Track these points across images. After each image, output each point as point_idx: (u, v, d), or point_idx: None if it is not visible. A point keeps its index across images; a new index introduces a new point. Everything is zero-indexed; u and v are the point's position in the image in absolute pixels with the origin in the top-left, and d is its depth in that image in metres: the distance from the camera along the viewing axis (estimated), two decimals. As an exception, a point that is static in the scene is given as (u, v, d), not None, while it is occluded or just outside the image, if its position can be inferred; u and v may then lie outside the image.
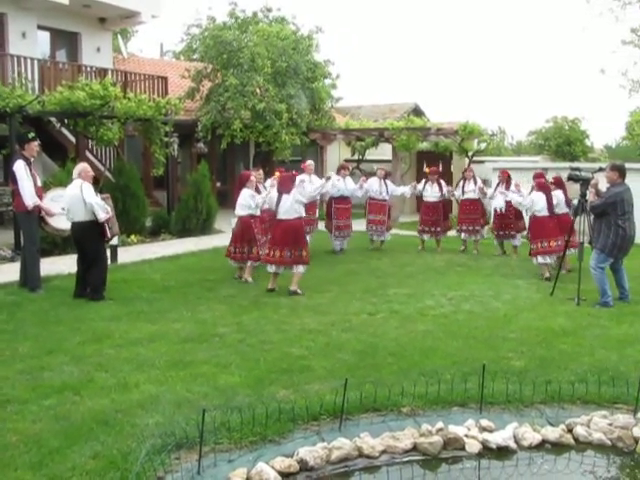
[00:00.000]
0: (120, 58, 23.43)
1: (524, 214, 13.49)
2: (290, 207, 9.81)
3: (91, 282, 9.34)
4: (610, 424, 5.03)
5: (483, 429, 4.94)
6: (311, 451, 4.46)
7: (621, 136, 35.84)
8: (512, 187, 12.69)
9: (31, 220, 9.72)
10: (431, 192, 14.42)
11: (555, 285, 9.81)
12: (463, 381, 5.66)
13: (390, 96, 68.77)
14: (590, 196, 9.37)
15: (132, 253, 13.31)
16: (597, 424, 5.01)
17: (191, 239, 15.80)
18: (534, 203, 11.23)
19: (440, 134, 21.39)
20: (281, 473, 4.25)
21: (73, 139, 17.51)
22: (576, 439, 4.91)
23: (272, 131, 19.56)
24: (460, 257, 13.65)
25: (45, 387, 5.77)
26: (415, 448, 4.68)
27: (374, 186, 14.39)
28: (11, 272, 10.66)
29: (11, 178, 9.81)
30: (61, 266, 11.19)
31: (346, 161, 23.33)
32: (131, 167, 16.26)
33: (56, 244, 12.73)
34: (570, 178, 9.67)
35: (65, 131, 17.44)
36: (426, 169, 15.49)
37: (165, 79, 19.58)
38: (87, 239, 9.34)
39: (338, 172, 13.87)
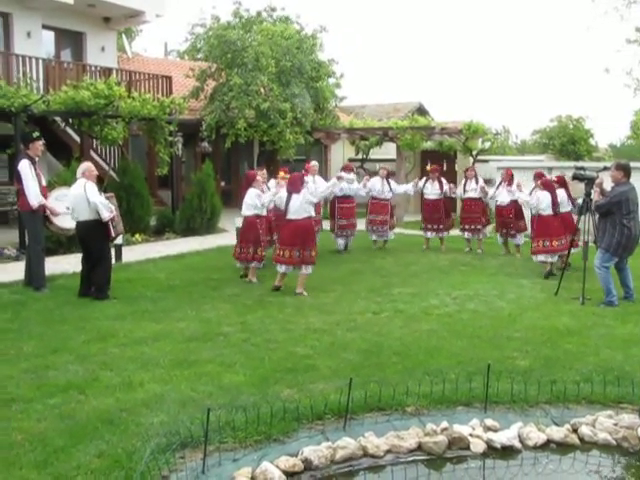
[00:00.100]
0: (124, 57, 23.45)
1: (525, 213, 13.57)
2: (300, 207, 9.78)
3: (96, 281, 9.35)
4: (615, 424, 5.02)
5: (488, 429, 4.93)
6: (316, 450, 4.46)
7: (626, 135, 35.82)
8: (514, 186, 12.73)
9: (36, 219, 9.73)
10: (431, 190, 14.48)
11: (560, 284, 9.79)
12: (468, 380, 5.64)
13: (394, 95, 68.84)
14: (595, 195, 9.35)
15: (136, 252, 13.32)
16: (602, 424, 5.00)
17: (195, 238, 15.81)
18: (539, 201, 11.30)
19: (444, 133, 21.38)
20: (285, 472, 4.25)
21: (78, 138, 17.57)
22: (581, 439, 4.90)
23: (276, 130, 19.56)
24: (464, 256, 13.64)
25: (50, 386, 5.77)
26: (420, 447, 4.68)
27: (376, 185, 14.40)
28: (16, 271, 10.68)
29: (16, 177, 9.83)
30: (66, 265, 11.21)
31: (350, 160, 23.34)
32: (135, 166, 16.28)
33: (61, 243, 12.75)
34: (575, 177, 9.65)
35: (70, 130, 17.46)
36: (428, 167, 15.46)
37: (169, 78, 19.59)
38: (92, 238, 9.35)
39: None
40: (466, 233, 14.36)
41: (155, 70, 21.45)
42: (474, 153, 21.01)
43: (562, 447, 4.82)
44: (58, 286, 10.01)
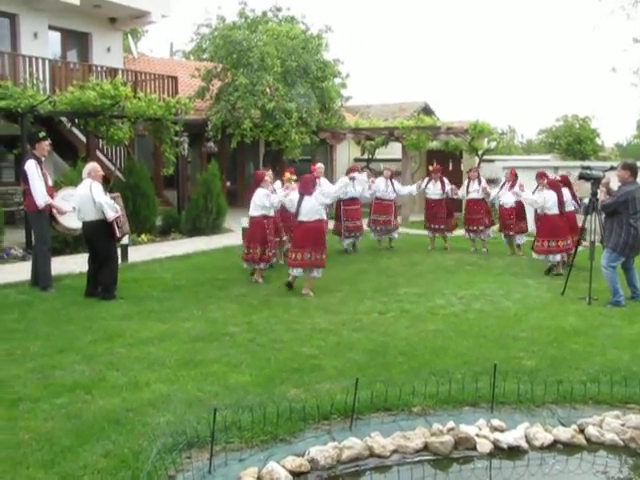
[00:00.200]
0: (130, 58, 23.49)
1: (528, 214, 13.62)
2: (312, 209, 9.75)
3: (102, 281, 9.37)
4: (622, 424, 5.00)
5: (494, 429, 4.92)
6: (322, 450, 4.45)
7: (632, 134, 35.73)
8: (517, 187, 12.79)
9: (42, 219, 9.76)
10: (433, 190, 14.51)
11: (566, 284, 9.77)
12: (474, 380, 5.63)
13: (400, 95, 68.82)
14: (601, 195, 9.33)
15: (142, 252, 13.34)
16: (609, 424, 4.98)
17: (201, 238, 15.83)
18: (545, 200, 11.39)
19: (450, 133, 21.37)
20: (292, 472, 4.24)
21: (84, 139, 17.61)
22: (588, 439, 4.88)
23: (282, 130, 19.57)
24: (470, 256, 13.63)
25: (57, 386, 5.79)
26: (426, 448, 4.67)
27: (381, 186, 14.40)
28: (22, 271, 10.70)
29: (22, 177, 9.86)
30: (72, 265, 11.23)
31: (356, 160, 23.32)
32: (141, 166, 16.31)
33: (67, 243, 12.78)
34: (581, 177, 9.63)
35: (76, 131, 17.51)
36: (430, 167, 15.47)
37: (175, 79, 19.61)
38: (98, 238, 9.36)
39: (348, 174, 13.81)
40: (470, 234, 14.38)
41: (161, 70, 21.47)
42: (480, 153, 20.98)
43: (569, 448, 4.81)
44: (65, 286, 10.03)
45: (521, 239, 13.80)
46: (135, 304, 8.93)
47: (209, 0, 37.72)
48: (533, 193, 12.20)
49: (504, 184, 13.90)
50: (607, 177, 9.47)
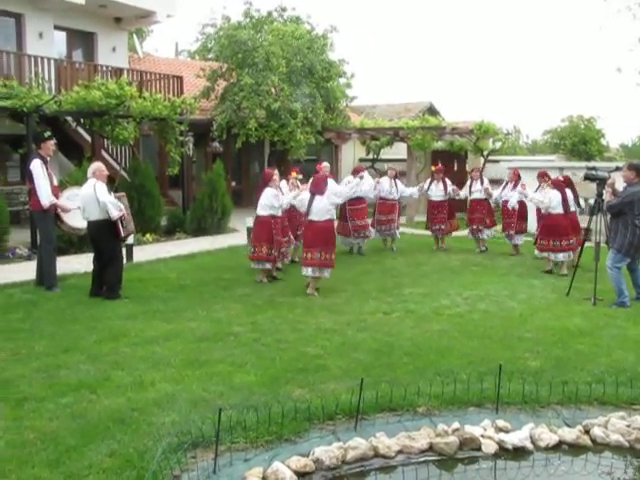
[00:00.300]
0: (135, 58, 23.52)
1: (530, 214, 13.65)
2: (323, 208, 9.74)
3: (107, 281, 9.38)
4: (628, 425, 4.99)
5: (499, 429, 4.92)
6: (327, 451, 4.46)
7: (637, 135, 35.63)
8: (519, 187, 12.82)
9: (47, 219, 9.78)
10: (436, 191, 14.50)
11: (571, 285, 9.75)
12: (479, 381, 5.62)
13: (405, 95, 68.81)
14: (607, 195, 9.32)
15: (147, 252, 13.36)
16: (615, 425, 4.97)
17: (206, 238, 15.83)
18: (550, 200, 11.48)
19: (455, 133, 21.35)
20: (297, 472, 4.25)
21: (89, 138, 17.63)
22: (593, 440, 4.88)
23: (287, 130, 19.58)
24: (475, 257, 13.62)
25: (62, 385, 5.80)
26: (431, 448, 4.67)
27: (385, 186, 14.38)
28: (28, 271, 10.72)
29: (28, 177, 9.89)
30: (77, 265, 11.25)
31: (361, 160, 23.30)
32: (146, 166, 16.31)
33: (72, 243, 12.81)
34: (587, 177, 9.61)
35: (81, 130, 17.55)
36: (433, 167, 15.45)
37: (180, 78, 19.64)
38: (103, 238, 9.38)
39: (353, 174, 13.79)
40: (474, 234, 14.38)
41: (166, 70, 21.51)
42: (485, 153, 20.96)
43: (574, 448, 4.81)
44: (69, 286, 10.05)
45: (520, 239, 13.82)
46: (140, 304, 8.94)
47: (214, 0, 37.79)
48: (535, 192, 12.27)
49: (506, 184, 13.97)
50: (612, 178, 9.46)
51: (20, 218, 16.16)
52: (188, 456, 4.40)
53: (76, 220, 9.89)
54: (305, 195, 10.07)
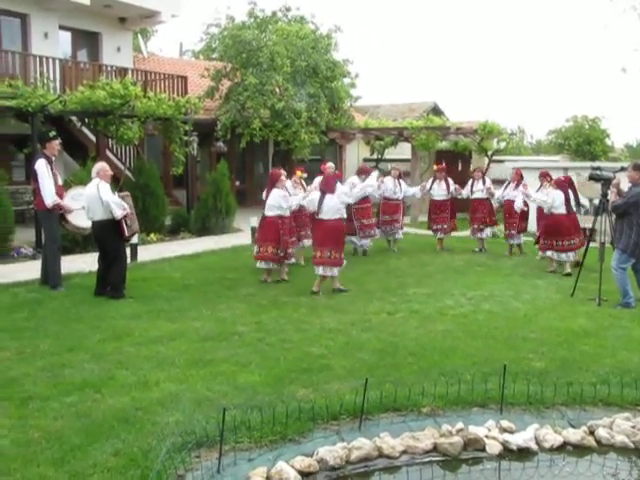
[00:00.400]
0: (140, 57, 23.55)
1: (530, 214, 13.66)
2: (333, 207, 9.74)
3: (111, 280, 9.40)
4: (633, 426, 4.98)
5: (504, 430, 4.91)
6: (331, 451, 4.46)
7: (642, 135, 35.47)
8: (520, 187, 12.82)
9: (52, 218, 9.80)
10: (438, 190, 14.49)
11: (576, 285, 9.74)
12: (483, 381, 5.62)
13: (409, 95, 68.75)
14: (612, 196, 9.30)
15: (152, 252, 13.37)
16: (619, 426, 4.96)
17: (210, 238, 15.84)
18: (553, 200, 11.54)
19: (459, 133, 21.35)
20: (301, 472, 4.25)
21: (94, 138, 17.67)
22: (598, 441, 4.87)
23: (291, 130, 19.58)
24: (479, 257, 13.61)
25: (66, 384, 5.81)
26: (435, 448, 4.67)
27: (389, 186, 14.37)
28: (32, 270, 10.75)
29: (32, 177, 9.92)
30: (81, 264, 11.26)
31: (365, 160, 23.28)
32: (151, 166, 16.34)
33: (77, 242, 12.82)
34: (592, 178, 9.59)
35: (86, 130, 17.56)
36: (435, 166, 15.43)
37: (185, 78, 19.65)
38: (107, 237, 9.39)
39: (358, 174, 13.75)
40: (477, 233, 14.39)
41: (170, 70, 21.53)
42: (489, 153, 20.95)
43: (579, 449, 4.80)
44: (74, 285, 10.06)
45: (519, 239, 13.85)
46: (144, 303, 8.95)
47: (219, 0, 37.79)
48: (537, 192, 12.31)
49: (509, 184, 13.97)
50: (617, 178, 9.44)
51: (25, 217, 16.21)
52: (192, 456, 4.40)
53: (81, 219, 9.91)
54: (314, 195, 10.07)
